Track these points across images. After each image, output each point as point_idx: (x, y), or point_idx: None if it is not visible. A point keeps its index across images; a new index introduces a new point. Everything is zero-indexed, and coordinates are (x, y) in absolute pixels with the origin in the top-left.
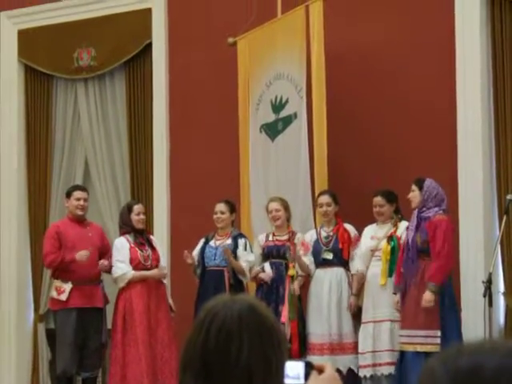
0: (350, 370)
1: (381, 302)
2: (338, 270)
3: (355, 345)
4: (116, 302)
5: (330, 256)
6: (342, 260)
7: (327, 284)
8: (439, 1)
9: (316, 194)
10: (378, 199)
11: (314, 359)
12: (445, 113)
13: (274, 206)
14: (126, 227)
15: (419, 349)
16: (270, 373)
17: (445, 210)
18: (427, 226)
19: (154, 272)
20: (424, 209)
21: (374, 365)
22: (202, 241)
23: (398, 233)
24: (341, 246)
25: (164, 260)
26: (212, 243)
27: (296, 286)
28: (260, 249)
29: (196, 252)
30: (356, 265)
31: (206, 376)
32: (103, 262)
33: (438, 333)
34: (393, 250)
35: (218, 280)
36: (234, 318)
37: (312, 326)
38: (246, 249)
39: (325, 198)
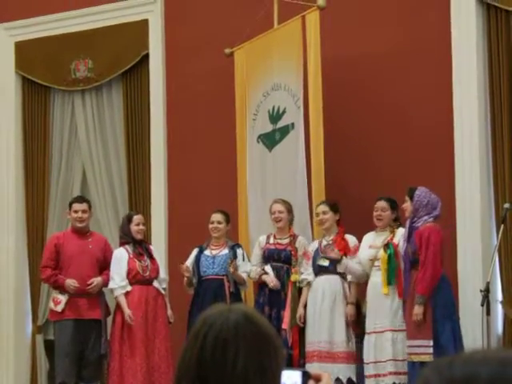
0: (337, 380)
1: (381, 312)
2: (334, 278)
3: (347, 355)
4: (114, 312)
5: (325, 263)
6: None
7: (321, 291)
8: (435, 11)
9: (314, 204)
10: (382, 203)
11: (307, 367)
12: (442, 122)
13: (277, 207)
14: (126, 238)
15: (413, 359)
16: (267, 382)
17: (436, 216)
18: (415, 236)
19: (126, 311)
20: (415, 218)
21: (377, 375)
22: (195, 250)
23: (396, 240)
24: None
25: (163, 271)
26: (208, 252)
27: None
28: (260, 250)
29: (190, 262)
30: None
31: None
32: (92, 284)
33: (431, 342)
34: (390, 258)
35: (217, 289)
36: (230, 327)
37: (308, 334)
38: (243, 259)
39: (321, 207)
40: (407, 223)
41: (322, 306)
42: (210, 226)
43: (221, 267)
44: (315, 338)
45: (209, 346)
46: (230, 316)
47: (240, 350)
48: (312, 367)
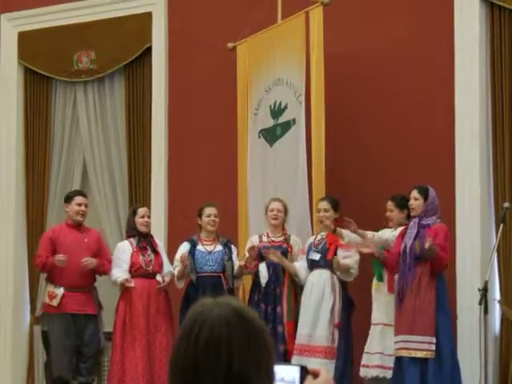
0: None
1: (377, 305)
2: (323, 272)
3: (326, 350)
4: (117, 304)
5: (316, 257)
6: (327, 262)
7: (310, 285)
8: (439, 8)
9: (314, 200)
10: (389, 204)
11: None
12: (443, 121)
13: (277, 206)
14: (131, 231)
15: (414, 354)
16: (262, 376)
17: (439, 217)
18: (427, 232)
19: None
20: (424, 217)
21: (366, 366)
22: (186, 245)
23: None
24: (328, 246)
25: (167, 266)
26: (202, 248)
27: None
28: None
29: (185, 256)
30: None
31: None
32: (87, 260)
33: (434, 339)
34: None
35: (215, 285)
36: (221, 324)
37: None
38: (237, 254)
39: (323, 204)
40: (415, 220)
41: (309, 299)
42: (208, 219)
43: (218, 264)
44: (299, 331)
45: (202, 345)
46: (220, 312)
47: (234, 348)
48: (292, 360)
